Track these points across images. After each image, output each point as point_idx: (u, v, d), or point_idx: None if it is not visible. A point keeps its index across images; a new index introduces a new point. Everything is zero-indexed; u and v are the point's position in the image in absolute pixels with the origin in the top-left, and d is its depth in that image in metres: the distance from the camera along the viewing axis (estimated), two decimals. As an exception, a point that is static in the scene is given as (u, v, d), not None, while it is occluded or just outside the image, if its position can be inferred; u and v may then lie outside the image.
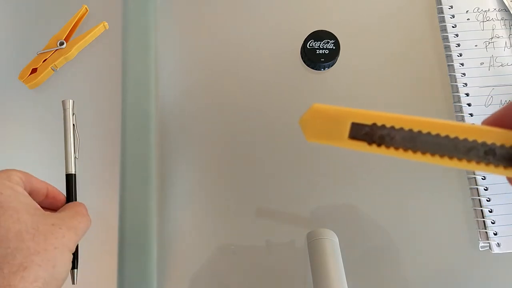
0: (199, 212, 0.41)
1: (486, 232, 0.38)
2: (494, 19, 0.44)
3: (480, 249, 0.39)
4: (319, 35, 0.43)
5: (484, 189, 0.39)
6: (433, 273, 0.39)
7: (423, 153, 0.22)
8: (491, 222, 0.38)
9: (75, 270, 0.32)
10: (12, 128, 0.44)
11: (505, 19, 0.44)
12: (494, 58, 0.43)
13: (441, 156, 0.22)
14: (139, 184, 0.42)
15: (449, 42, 0.44)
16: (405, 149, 0.22)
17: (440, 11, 0.45)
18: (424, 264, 0.39)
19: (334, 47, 0.43)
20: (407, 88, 0.44)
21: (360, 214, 0.40)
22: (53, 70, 0.44)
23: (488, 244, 0.38)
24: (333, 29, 0.45)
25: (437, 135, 0.22)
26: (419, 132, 0.22)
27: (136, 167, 0.42)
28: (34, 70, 0.44)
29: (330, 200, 0.41)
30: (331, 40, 0.43)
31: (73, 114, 0.39)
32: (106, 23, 0.46)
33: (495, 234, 0.38)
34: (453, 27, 0.44)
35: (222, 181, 0.42)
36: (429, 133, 0.22)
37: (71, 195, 0.34)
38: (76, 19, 0.45)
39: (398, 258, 0.39)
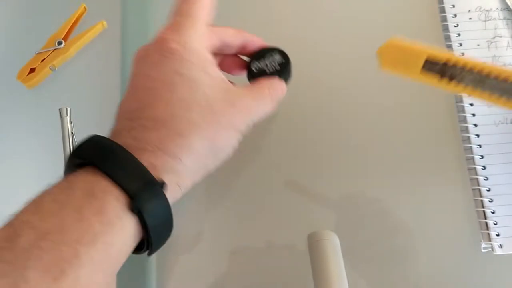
0: (199, 212, 0.41)
1: (488, 233, 0.38)
2: (496, 19, 0.44)
3: (483, 250, 0.38)
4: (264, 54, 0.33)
5: (487, 190, 0.39)
6: (434, 274, 0.38)
7: (490, 94, 0.23)
8: (493, 223, 0.38)
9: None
10: (10, 127, 0.44)
11: (508, 19, 0.44)
12: (497, 57, 0.42)
13: (508, 99, 0.23)
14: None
15: (451, 42, 0.43)
16: (474, 88, 0.23)
17: (442, 10, 0.45)
18: (425, 265, 0.38)
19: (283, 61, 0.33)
20: (407, 87, 0.43)
21: (362, 216, 0.40)
22: (52, 69, 0.44)
23: (491, 245, 0.38)
24: (331, 29, 0.45)
25: (505, 80, 0.23)
26: (487, 75, 0.23)
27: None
28: (32, 70, 0.43)
29: (331, 202, 0.40)
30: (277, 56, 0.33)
31: (71, 122, 0.39)
32: (104, 22, 0.46)
33: (498, 235, 0.38)
34: (455, 26, 0.44)
35: (222, 181, 0.42)
36: (496, 78, 0.23)
37: None
38: (75, 18, 0.45)
39: (400, 259, 0.39)
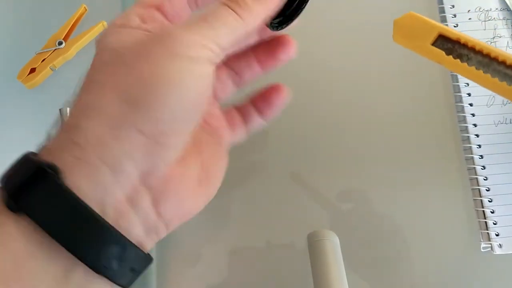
0: (198, 212, 0.41)
1: (488, 233, 0.38)
2: (496, 19, 0.44)
3: (482, 250, 0.38)
4: None
5: (486, 189, 0.39)
6: (434, 273, 0.38)
7: (492, 77, 0.23)
8: (493, 223, 0.38)
9: None
10: (10, 128, 0.44)
11: (507, 19, 0.44)
12: (496, 58, 0.42)
13: (509, 85, 0.23)
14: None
15: (450, 42, 0.43)
16: (477, 69, 0.23)
17: (442, 10, 0.45)
18: (425, 265, 0.38)
19: None
20: (408, 88, 0.43)
21: (362, 216, 0.40)
22: (52, 69, 0.44)
23: (490, 245, 0.38)
24: (331, 33, 0.45)
25: (510, 67, 0.23)
26: (495, 59, 0.23)
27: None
28: (32, 70, 0.43)
29: (331, 201, 0.40)
30: None
31: None
32: (105, 23, 0.46)
33: (497, 235, 0.38)
34: (454, 26, 0.44)
35: (222, 181, 0.42)
36: (503, 63, 0.23)
37: None
38: (75, 18, 0.45)
39: (399, 259, 0.39)
